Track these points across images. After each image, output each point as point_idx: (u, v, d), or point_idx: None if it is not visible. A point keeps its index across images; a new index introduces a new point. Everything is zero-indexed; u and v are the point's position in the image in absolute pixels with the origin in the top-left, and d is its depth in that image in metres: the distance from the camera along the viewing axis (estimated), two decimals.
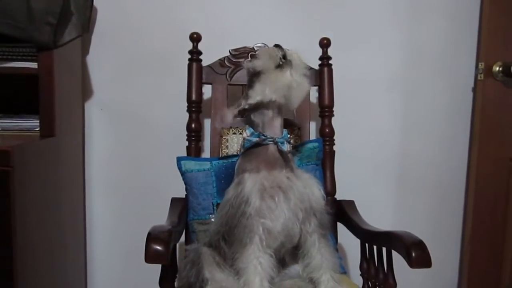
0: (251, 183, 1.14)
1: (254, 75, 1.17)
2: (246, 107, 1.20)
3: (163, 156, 1.72)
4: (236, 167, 1.24)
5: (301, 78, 1.14)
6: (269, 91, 1.13)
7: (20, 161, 1.18)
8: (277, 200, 1.14)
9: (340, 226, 1.51)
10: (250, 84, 1.20)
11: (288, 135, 1.22)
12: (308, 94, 1.57)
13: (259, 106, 1.18)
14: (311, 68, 1.57)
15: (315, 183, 1.21)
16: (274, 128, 1.19)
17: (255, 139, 1.18)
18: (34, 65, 1.39)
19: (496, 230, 1.87)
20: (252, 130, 1.20)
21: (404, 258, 1.10)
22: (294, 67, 1.13)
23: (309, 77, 1.18)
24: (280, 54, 1.14)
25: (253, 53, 1.56)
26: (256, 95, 1.16)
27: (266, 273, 1.11)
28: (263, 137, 1.18)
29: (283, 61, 1.13)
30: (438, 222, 1.90)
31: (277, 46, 1.16)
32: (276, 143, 1.18)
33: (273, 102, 1.15)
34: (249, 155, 1.20)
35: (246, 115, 1.23)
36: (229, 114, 1.25)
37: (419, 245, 1.09)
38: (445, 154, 1.88)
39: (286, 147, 1.19)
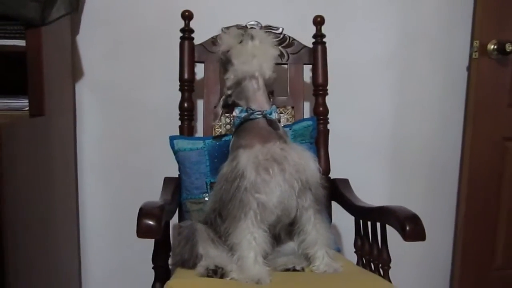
0: (245, 157, 1.13)
1: (225, 61, 1.22)
2: (229, 93, 1.23)
3: (155, 136, 1.70)
4: (230, 146, 1.24)
5: (264, 45, 1.18)
6: (239, 66, 1.17)
7: (9, 138, 1.16)
8: (272, 173, 1.13)
9: (334, 207, 1.51)
10: (223, 69, 1.24)
11: (275, 109, 1.22)
12: (302, 72, 1.56)
13: (238, 86, 1.20)
14: (305, 47, 1.56)
15: (310, 156, 1.20)
16: (259, 102, 1.19)
17: (243, 114, 1.19)
18: (22, 42, 1.36)
19: (490, 209, 1.88)
20: (241, 108, 1.21)
21: (398, 231, 1.10)
22: (255, 37, 1.17)
23: (275, 45, 1.23)
24: (241, 31, 1.19)
25: (253, 27, 1.54)
26: (230, 75, 1.20)
27: (260, 248, 1.11)
28: (250, 111, 1.18)
29: (245, 35, 1.18)
30: (432, 201, 1.90)
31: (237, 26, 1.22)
32: (264, 115, 1.18)
33: (247, 75, 1.18)
34: (242, 132, 1.19)
35: (231, 104, 1.25)
36: (217, 111, 1.26)
37: (413, 218, 1.09)
38: (440, 133, 1.88)
39: (274, 116, 1.19)
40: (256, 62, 1.17)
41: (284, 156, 1.15)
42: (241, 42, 1.18)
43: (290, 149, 1.18)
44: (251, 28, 1.23)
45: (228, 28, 1.28)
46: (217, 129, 1.55)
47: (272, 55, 1.20)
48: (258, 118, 1.18)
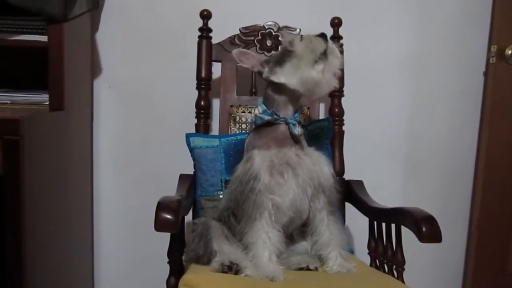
0: (260, 159, 1.14)
1: (288, 53, 1.14)
2: (268, 79, 1.18)
3: (171, 134, 1.72)
4: (245, 143, 1.24)
5: (331, 77, 1.12)
6: (296, 80, 1.12)
7: (29, 131, 1.17)
8: (286, 177, 1.14)
9: (347, 209, 1.51)
10: (280, 59, 1.16)
11: (299, 116, 1.21)
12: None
13: (279, 86, 1.17)
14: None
15: (324, 161, 1.21)
16: (288, 110, 1.19)
17: (267, 117, 1.17)
18: (44, 38, 1.38)
19: (504, 214, 1.86)
20: (265, 108, 1.19)
21: (414, 232, 1.10)
22: (329, 64, 1.11)
23: (340, 73, 1.16)
24: (322, 48, 1.11)
25: (271, 30, 1.55)
26: (282, 76, 1.15)
27: (274, 248, 1.12)
28: (275, 116, 1.17)
29: (321, 56, 1.11)
30: (446, 205, 1.89)
31: (323, 36, 1.13)
32: (287, 123, 1.17)
33: (296, 90, 1.14)
34: (259, 132, 1.20)
35: (265, 82, 1.21)
36: (249, 59, 1.21)
37: (430, 220, 1.09)
38: (454, 137, 1.87)
39: (298, 131, 1.18)
40: (313, 89, 1.12)
41: (298, 162, 1.16)
42: (316, 57, 1.10)
43: (305, 155, 1.18)
44: (330, 42, 1.12)
45: (323, 37, 1.14)
46: (232, 128, 1.56)
47: (331, 88, 1.16)
48: (280, 124, 1.18)
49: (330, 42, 1.13)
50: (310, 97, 1.19)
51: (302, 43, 1.13)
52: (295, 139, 1.19)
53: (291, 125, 1.17)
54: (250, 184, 1.12)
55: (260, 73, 1.21)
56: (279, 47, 1.22)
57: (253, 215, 1.11)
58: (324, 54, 1.11)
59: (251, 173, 1.13)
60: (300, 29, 1.55)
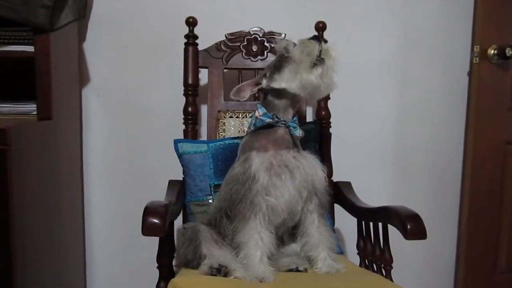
0: (259, 160, 1.15)
1: (285, 59, 1.16)
2: (264, 86, 1.20)
3: (160, 141, 1.73)
4: (242, 144, 1.25)
5: (330, 80, 1.14)
6: (295, 85, 1.13)
7: (17, 140, 1.18)
8: (284, 178, 1.16)
9: (337, 211, 1.52)
10: (277, 66, 1.18)
11: (297, 120, 1.23)
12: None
13: (280, 91, 1.18)
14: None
15: (319, 165, 1.23)
16: (288, 114, 1.21)
17: (267, 120, 1.19)
18: (31, 48, 1.39)
19: (492, 213, 1.88)
20: (265, 110, 1.20)
21: (400, 230, 1.11)
22: (327, 67, 1.12)
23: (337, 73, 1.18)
24: (317, 51, 1.12)
25: (257, 35, 1.57)
26: (282, 82, 1.16)
27: (266, 248, 1.13)
28: (276, 119, 1.18)
29: (318, 59, 1.12)
30: (435, 204, 1.91)
31: (316, 38, 1.14)
32: (288, 126, 1.19)
33: (297, 94, 1.16)
34: (258, 135, 1.21)
35: (259, 96, 1.23)
36: (245, 90, 1.23)
37: (414, 217, 1.11)
38: (441, 137, 1.89)
39: (299, 133, 1.20)
40: (313, 92, 1.14)
41: (296, 165, 1.18)
42: (313, 61, 1.11)
43: (302, 158, 1.20)
44: (325, 45, 1.13)
45: (316, 40, 1.15)
46: (220, 133, 1.57)
47: (331, 90, 1.18)
48: (280, 127, 1.19)
49: (324, 43, 1.14)
50: (310, 100, 1.20)
51: (297, 48, 1.14)
52: (293, 142, 1.21)
53: (291, 128, 1.19)
54: (248, 184, 1.13)
55: (260, 90, 1.23)
56: (276, 54, 1.21)
57: (248, 215, 1.13)
58: (320, 57, 1.12)
59: (249, 173, 1.14)
60: (285, 34, 1.58)
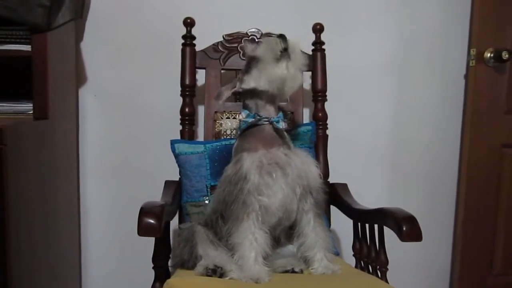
0: (249, 160, 1.15)
1: (253, 60, 1.19)
2: (240, 90, 1.23)
3: (156, 141, 1.72)
4: (234, 148, 1.26)
5: (296, 72, 1.16)
6: (263, 81, 1.16)
7: (13, 139, 1.18)
8: (275, 176, 1.16)
9: (333, 212, 1.52)
10: (247, 68, 1.22)
11: (283, 116, 1.24)
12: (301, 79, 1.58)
13: (253, 92, 1.21)
14: (304, 53, 1.58)
15: (312, 161, 1.23)
16: (269, 111, 1.22)
17: (251, 119, 1.20)
18: (27, 47, 1.39)
19: (488, 215, 1.89)
20: (248, 112, 1.22)
21: (395, 232, 1.11)
22: (292, 60, 1.15)
23: (305, 68, 1.22)
24: (281, 46, 1.14)
25: (254, 36, 1.58)
26: (250, 81, 1.19)
27: (261, 249, 1.13)
28: (258, 117, 1.20)
29: (282, 53, 1.14)
30: (431, 206, 1.92)
31: (281, 36, 1.16)
32: (271, 123, 1.20)
33: (266, 91, 1.18)
34: (247, 136, 1.22)
35: (240, 98, 1.25)
36: (223, 93, 1.25)
37: (410, 219, 1.11)
38: (438, 140, 1.90)
39: (282, 125, 1.21)
40: (281, 86, 1.16)
41: (287, 161, 1.18)
42: (277, 59, 1.14)
43: (293, 154, 1.21)
44: (290, 40, 1.15)
45: (269, 35, 1.22)
46: (217, 134, 1.57)
47: (299, 83, 1.20)
48: (264, 124, 1.20)
49: (290, 40, 1.16)
50: (283, 96, 1.22)
51: (262, 46, 1.17)
52: (282, 138, 1.21)
53: (274, 122, 1.20)
54: (240, 184, 1.13)
55: (235, 94, 1.27)
56: (245, 56, 1.26)
57: (241, 216, 1.13)
58: (286, 52, 1.14)
59: (240, 173, 1.14)
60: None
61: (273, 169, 1.16)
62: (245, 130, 1.22)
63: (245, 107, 1.24)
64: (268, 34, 1.55)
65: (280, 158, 1.18)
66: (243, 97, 1.26)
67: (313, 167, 1.21)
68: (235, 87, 1.24)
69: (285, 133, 1.24)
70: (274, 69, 1.14)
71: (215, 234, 1.21)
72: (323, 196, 1.25)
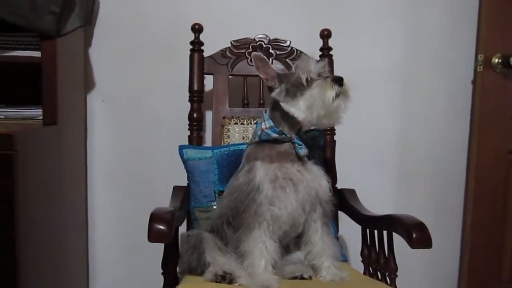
0: (263, 172, 1.15)
1: (301, 86, 1.14)
2: (278, 102, 1.18)
3: (165, 146, 1.73)
4: (246, 153, 1.24)
5: (337, 117, 1.16)
6: (304, 117, 1.14)
7: (23, 145, 1.19)
8: (288, 191, 1.16)
9: (341, 218, 1.52)
10: (293, 88, 1.15)
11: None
12: None
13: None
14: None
15: (323, 176, 1.23)
16: (293, 130, 1.21)
17: (274, 135, 1.18)
18: (37, 54, 1.40)
19: (496, 222, 1.88)
20: (272, 124, 1.19)
21: (405, 239, 1.11)
22: (340, 106, 1.14)
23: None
24: (334, 94, 1.12)
25: (262, 42, 1.57)
26: (292, 108, 1.15)
27: (270, 257, 1.13)
28: (283, 135, 1.18)
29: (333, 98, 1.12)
30: (438, 212, 1.91)
31: (338, 81, 1.13)
32: (293, 143, 1.19)
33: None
34: (263, 145, 1.20)
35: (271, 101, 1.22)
36: (267, 71, 1.19)
37: (420, 226, 1.10)
38: (445, 146, 1.89)
39: (304, 152, 1.19)
40: (319, 119, 1.14)
41: (300, 179, 1.18)
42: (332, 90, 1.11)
43: (306, 171, 1.20)
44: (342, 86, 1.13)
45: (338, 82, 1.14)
46: (225, 140, 1.58)
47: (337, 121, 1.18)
48: (285, 142, 1.19)
49: (344, 85, 1.14)
50: (319, 126, 1.23)
51: (317, 86, 1.13)
52: (298, 156, 1.20)
53: (297, 145, 1.19)
54: (252, 194, 1.13)
55: (270, 88, 1.21)
56: (295, 71, 1.18)
57: (252, 224, 1.13)
58: (338, 96, 1.13)
59: (253, 184, 1.14)
60: (290, 41, 1.58)
61: (286, 184, 1.16)
62: (263, 140, 1.20)
63: (273, 116, 1.20)
64: (277, 40, 1.57)
65: (294, 174, 1.18)
66: (274, 105, 1.21)
67: (323, 181, 1.21)
68: (272, 85, 1.19)
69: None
70: (320, 111, 1.11)
71: (221, 239, 1.21)
72: (331, 207, 1.25)
